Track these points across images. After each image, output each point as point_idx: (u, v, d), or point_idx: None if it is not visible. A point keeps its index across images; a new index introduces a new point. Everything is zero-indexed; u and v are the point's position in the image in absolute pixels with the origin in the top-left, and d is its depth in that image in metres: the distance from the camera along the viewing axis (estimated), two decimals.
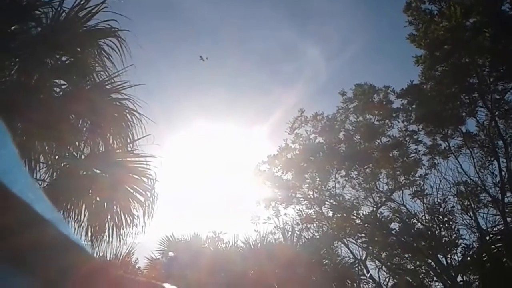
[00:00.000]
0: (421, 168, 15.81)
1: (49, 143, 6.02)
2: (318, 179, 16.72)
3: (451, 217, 15.09)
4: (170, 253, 14.36)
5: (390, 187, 16.38)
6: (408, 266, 15.98)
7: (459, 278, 14.48)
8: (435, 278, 15.25)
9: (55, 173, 6.23)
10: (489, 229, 14.54)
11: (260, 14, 21.82)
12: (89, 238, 6.43)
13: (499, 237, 14.17)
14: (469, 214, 14.87)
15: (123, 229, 6.43)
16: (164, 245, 14.89)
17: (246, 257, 14.22)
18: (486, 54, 13.37)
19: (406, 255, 15.80)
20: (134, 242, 10.34)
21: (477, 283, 14.77)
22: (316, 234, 17.21)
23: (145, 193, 6.34)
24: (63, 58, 6.00)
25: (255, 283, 13.36)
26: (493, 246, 14.06)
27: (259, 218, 16.66)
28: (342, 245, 16.64)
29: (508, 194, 14.23)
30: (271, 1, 21.70)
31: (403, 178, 16.13)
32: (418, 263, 15.66)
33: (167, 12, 20.27)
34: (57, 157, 6.20)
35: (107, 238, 6.45)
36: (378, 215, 16.17)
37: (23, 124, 5.53)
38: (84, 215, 6.32)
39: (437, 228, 15.26)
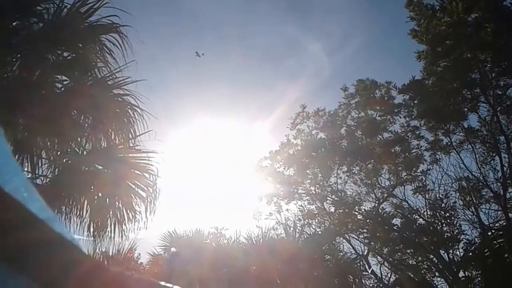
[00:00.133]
0: (423, 164, 15.84)
1: (51, 139, 6.03)
2: (320, 174, 16.71)
3: (453, 213, 15.11)
4: (172, 249, 14.41)
5: (392, 183, 16.38)
6: (410, 262, 16.00)
7: (461, 274, 14.52)
8: (437, 274, 15.31)
9: (57, 169, 6.23)
10: (491, 225, 14.56)
11: (262, 10, 21.79)
12: (91, 234, 6.44)
13: (501, 232, 14.18)
14: (471, 209, 14.88)
15: (125, 224, 6.43)
16: (166, 240, 14.95)
17: (248, 253, 14.27)
18: (488, 50, 13.33)
19: (408, 251, 15.82)
20: (136, 237, 10.43)
21: (479, 278, 14.81)
22: (318, 229, 17.28)
23: (147, 188, 6.34)
24: (65, 54, 6.00)
25: (257, 279, 13.41)
26: (495, 242, 14.09)
27: (261, 213, 16.71)
28: (344, 240, 16.72)
29: (510, 189, 14.27)
30: None
31: (405, 173, 16.12)
32: (420, 258, 15.68)
33: (169, 7, 20.28)
34: (59, 153, 6.21)
35: (109, 234, 6.46)
36: (380, 210, 16.19)
37: (25, 120, 5.54)
38: (86, 211, 6.33)
39: (439, 223, 15.27)
